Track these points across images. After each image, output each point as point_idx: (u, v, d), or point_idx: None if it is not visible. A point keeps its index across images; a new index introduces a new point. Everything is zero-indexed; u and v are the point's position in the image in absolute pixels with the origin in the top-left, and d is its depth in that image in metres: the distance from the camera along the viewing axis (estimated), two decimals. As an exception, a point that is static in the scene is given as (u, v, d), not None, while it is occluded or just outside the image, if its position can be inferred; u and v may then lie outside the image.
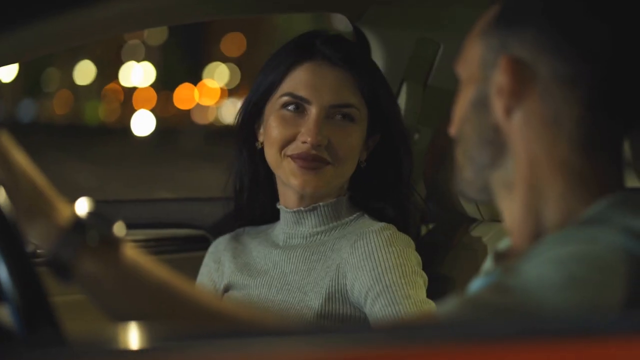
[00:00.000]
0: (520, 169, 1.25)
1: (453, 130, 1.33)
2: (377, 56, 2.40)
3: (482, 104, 1.27)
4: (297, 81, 2.08)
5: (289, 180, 2.07)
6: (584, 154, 1.24)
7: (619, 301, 1.12)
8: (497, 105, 1.25)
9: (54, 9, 1.43)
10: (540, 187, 1.25)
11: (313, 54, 2.09)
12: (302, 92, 2.07)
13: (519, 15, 1.27)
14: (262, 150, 2.14)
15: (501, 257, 1.34)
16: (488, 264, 1.39)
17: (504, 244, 1.37)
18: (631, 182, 1.30)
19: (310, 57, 2.09)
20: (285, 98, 2.08)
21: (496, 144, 1.26)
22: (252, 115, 2.15)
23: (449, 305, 1.16)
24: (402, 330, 1.10)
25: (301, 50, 2.10)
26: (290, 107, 2.07)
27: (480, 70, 1.27)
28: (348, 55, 2.10)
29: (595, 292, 1.13)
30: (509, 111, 1.25)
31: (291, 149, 2.06)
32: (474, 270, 1.52)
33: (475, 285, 1.25)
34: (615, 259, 1.14)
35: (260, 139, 2.15)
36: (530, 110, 1.24)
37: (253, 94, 2.15)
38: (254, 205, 2.22)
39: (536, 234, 1.25)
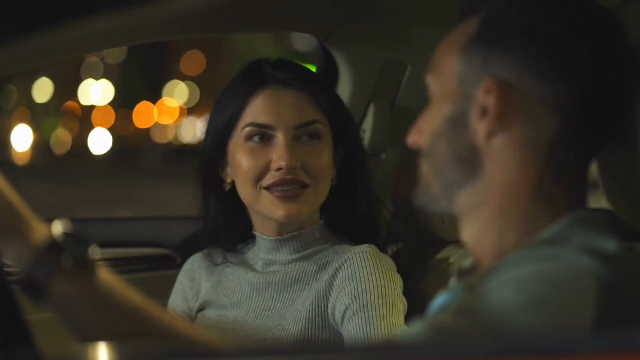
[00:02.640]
0: (493, 190, 1.25)
1: (418, 141, 1.32)
2: (345, 76, 2.41)
3: (459, 122, 1.26)
4: (257, 110, 2.06)
5: (271, 212, 2.04)
6: (555, 175, 1.25)
7: (581, 320, 1.13)
8: (479, 127, 1.25)
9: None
10: (508, 207, 1.25)
11: (266, 81, 2.08)
12: (264, 120, 2.05)
13: (501, 34, 1.26)
14: (230, 190, 2.11)
15: (464, 274, 1.35)
16: (452, 282, 1.40)
17: (468, 262, 1.37)
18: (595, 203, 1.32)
19: (264, 85, 2.08)
20: (249, 129, 2.06)
21: (470, 164, 1.26)
22: (214, 159, 2.12)
23: (414, 329, 1.16)
24: (370, 353, 1.10)
25: (253, 80, 2.09)
26: (256, 138, 2.05)
27: (458, 87, 1.27)
28: (300, 74, 2.09)
29: (557, 312, 1.13)
30: (491, 134, 1.25)
31: (267, 180, 2.04)
32: (441, 289, 1.52)
33: (438, 302, 1.25)
34: (576, 278, 1.15)
35: (228, 180, 2.12)
36: (512, 134, 1.24)
37: (212, 136, 2.12)
38: (228, 235, 2.19)
39: (499, 252, 1.25)
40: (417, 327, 1.15)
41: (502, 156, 1.25)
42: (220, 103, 2.12)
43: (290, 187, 2.03)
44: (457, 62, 1.27)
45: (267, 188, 2.04)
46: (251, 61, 2.16)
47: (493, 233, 1.26)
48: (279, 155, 2.03)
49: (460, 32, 1.30)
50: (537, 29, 1.26)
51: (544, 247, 1.20)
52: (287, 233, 2.09)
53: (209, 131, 2.13)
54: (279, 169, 2.02)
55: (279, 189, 2.03)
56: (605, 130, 1.28)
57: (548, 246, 1.20)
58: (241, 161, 2.06)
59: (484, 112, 1.25)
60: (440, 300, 1.25)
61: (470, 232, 1.29)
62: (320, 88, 2.11)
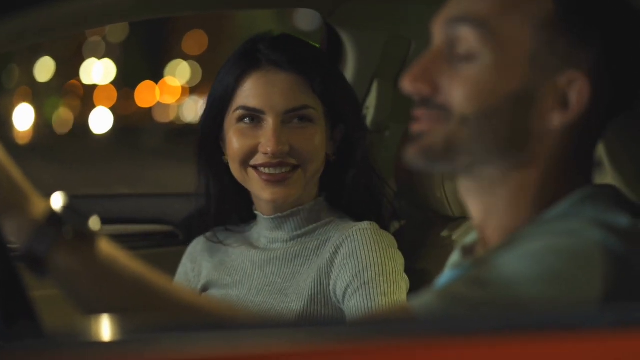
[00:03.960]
0: (519, 168, 1.23)
1: (422, 89, 1.22)
2: (349, 53, 2.40)
3: (523, 103, 1.21)
4: (248, 93, 2.06)
5: (259, 193, 2.06)
6: (573, 154, 1.24)
7: (597, 294, 1.12)
8: (551, 116, 1.21)
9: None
10: (526, 184, 1.24)
11: (259, 62, 2.07)
12: (254, 104, 2.05)
13: (584, 23, 1.22)
14: (228, 167, 2.12)
15: (469, 251, 1.34)
16: (454, 257, 1.39)
17: (470, 238, 1.36)
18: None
19: (256, 66, 2.06)
20: (239, 112, 2.06)
21: (518, 145, 1.22)
22: (213, 130, 2.13)
23: (423, 299, 1.15)
24: (377, 325, 1.10)
25: (247, 59, 2.08)
26: (246, 120, 2.05)
27: (529, 65, 1.21)
28: (295, 56, 2.07)
29: (573, 286, 1.13)
30: (564, 125, 1.22)
31: (255, 160, 2.04)
32: (441, 264, 1.52)
33: (444, 278, 1.25)
34: (589, 251, 1.14)
35: (227, 153, 2.13)
36: (576, 125, 1.22)
37: (209, 110, 2.13)
38: (228, 213, 2.19)
39: (509, 228, 1.24)
40: (427, 297, 1.15)
41: (552, 142, 1.22)
42: (217, 81, 2.13)
43: (277, 171, 2.03)
44: (531, 38, 1.21)
45: (255, 168, 2.04)
46: (249, 37, 2.14)
47: (506, 209, 1.24)
48: (266, 139, 2.03)
49: (532, 2, 1.22)
50: (612, 19, 1.23)
51: (558, 221, 1.19)
52: (286, 210, 2.09)
53: (208, 104, 2.14)
54: (265, 153, 2.03)
55: (266, 170, 2.03)
56: (617, 108, 1.27)
57: (562, 220, 1.19)
58: (232, 141, 2.07)
59: (563, 104, 1.21)
60: (446, 275, 1.24)
61: (481, 206, 1.26)
62: (317, 69, 2.08)
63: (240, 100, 2.07)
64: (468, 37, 1.21)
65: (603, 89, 1.22)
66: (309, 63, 2.09)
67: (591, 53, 1.21)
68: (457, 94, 1.21)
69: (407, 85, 1.24)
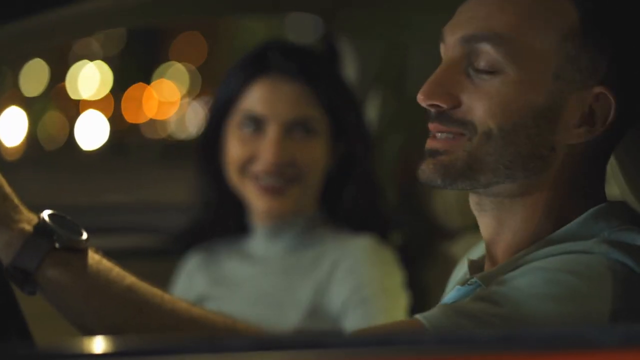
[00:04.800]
0: (538, 185, 1.20)
1: (440, 102, 1.19)
2: (348, 61, 2.38)
3: (547, 118, 1.18)
4: (253, 99, 2.03)
5: (254, 202, 2.03)
6: (590, 171, 1.23)
7: (609, 312, 1.11)
8: (576, 131, 1.19)
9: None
10: (542, 201, 1.21)
11: (267, 68, 2.04)
12: (258, 110, 2.02)
13: (608, 37, 1.19)
14: (226, 175, 2.09)
15: (477, 266, 1.30)
16: (460, 273, 1.36)
17: (476, 253, 1.34)
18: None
19: (264, 72, 2.04)
20: (243, 117, 2.03)
21: (541, 161, 1.19)
22: (215, 133, 2.09)
23: (434, 315, 1.13)
24: (388, 339, 1.08)
25: (255, 65, 2.05)
26: (249, 127, 2.02)
27: (552, 79, 1.18)
28: (303, 65, 2.05)
29: (585, 304, 1.11)
30: (588, 141, 1.19)
31: (252, 169, 2.01)
32: (442, 278, 1.50)
33: (453, 294, 1.22)
34: (605, 270, 1.13)
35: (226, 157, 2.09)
36: (596, 144, 1.20)
37: (213, 112, 2.10)
38: (224, 221, 2.15)
39: (521, 245, 1.21)
40: (440, 312, 1.12)
41: (572, 159, 1.20)
42: (224, 82, 2.10)
43: (275, 181, 2.00)
44: (555, 53, 1.18)
45: (253, 176, 2.01)
46: (261, 43, 2.12)
47: (519, 225, 1.22)
48: (267, 147, 2.00)
49: (554, 14, 1.19)
50: (628, 35, 1.20)
51: (569, 240, 1.17)
52: (282, 222, 2.06)
53: (211, 109, 2.12)
54: (265, 162, 1.99)
55: (263, 180, 2.00)
56: (632, 121, 1.24)
57: (573, 239, 1.17)
58: (231, 146, 2.04)
59: (589, 119, 1.18)
60: (455, 292, 1.21)
61: (493, 221, 1.23)
62: (325, 81, 2.06)
63: (245, 105, 2.04)
64: (490, 52, 1.18)
65: (626, 104, 1.19)
66: (317, 74, 2.06)
67: (615, 67, 1.18)
68: (479, 108, 1.18)
69: (424, 99, 1.20)
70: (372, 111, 2.42)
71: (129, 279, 1.26)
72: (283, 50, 2.06)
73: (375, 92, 2.41)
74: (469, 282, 1.20)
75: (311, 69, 2.06)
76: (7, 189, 1.19)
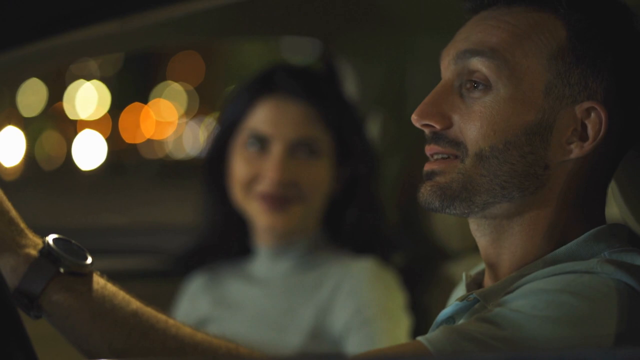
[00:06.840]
0: (535, 204, 1.21)
1: (434, 122, 1.20)
2: (348, 83, 2.38)
3: (539, 136, 1.18)
4: (259, 118, 2.04)
5: (257, 219, 2.03)
6: (585, 188, 1.22)
7: (611, 334, 1.10)
8: (568, 148, 1.19)
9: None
10: (541, 221, 1.21)
11: (274, 88, 2.05)
12: (263, 130, 2.03)
13: (597, 52, 1.19)
14: (230, 194, 2.10)
15: (475, 284, 1.31)
16: (459, 290, 1.37)
17: (476, 271, 1.34)
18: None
19: (271, 92, 2.05)
20: (248, 136, 2.04)
21: (536, 179, 1.19)
22: (220, 151, 2.10)
23: (437, 337, 1.12)
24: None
25: (262, 85, 2.06)
26: (253, 146, 2.04)
27: (543, 96, 1.19)
28: (310, 87, 2.06)
29: (588, 325, 1.10)
30: (581, 157, 1.19)
31: (256, 188, 2.02)
32: (444, 300, 1.50)
33: (450, 308, 1.22)
34: (607, 291, 1.12)
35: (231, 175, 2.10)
36: (590, 161, 1.20)
37: (218, 131, 2.11)
38: (228, 241, 2.16)
39: (519, 263, 1.22)
40: (442, 334, 1.12)
41: (567, 176, 1.20)
42: (230, 101, 2.11)
43: (279, 198, 2.01)
44: (545, 70, 1.19)
45: (257, 193, 2.02)
46: (269, 64, 2.13)
47: (518, 245, 1.22)
48: (270, 167, 2.01)
49: (544, 33, 1.20)
50: (623, 47, 1.21)
51: (569, 260, 1.17)
52: (285, 242, 2.06)
53: (217, 127, 2.13)
54: (269, 181, 2.00)
55: (267, 198, 2.01)
56: (630, 140, 1.25)
57: (574, 259, 1.18)
58: (236, 164, 2.05)
59: (581, 135, 1.19)
60: (452, 307, 1.21)
61: (492, 242, 1.23)
62: (332, 103, 2.07)
63: (250, 125, 2.05)
64: (481, 69, 1.19)
65: (618, 119, 1.20)
66: (324, 96, 2.07)
67: (605, 83, 1.19)
68: (470, 129, 1.19)
69: (417, 119, 1.21)
70: (371, 133, 2.42)
71: (134, 303, 1.25)
72: (289, 72, 2.08)
73: (375, 114, 2.42)
74: (467, 298, 1.21)
75: (317, 90, 2.07)
76: (13, 213, 1.19)
